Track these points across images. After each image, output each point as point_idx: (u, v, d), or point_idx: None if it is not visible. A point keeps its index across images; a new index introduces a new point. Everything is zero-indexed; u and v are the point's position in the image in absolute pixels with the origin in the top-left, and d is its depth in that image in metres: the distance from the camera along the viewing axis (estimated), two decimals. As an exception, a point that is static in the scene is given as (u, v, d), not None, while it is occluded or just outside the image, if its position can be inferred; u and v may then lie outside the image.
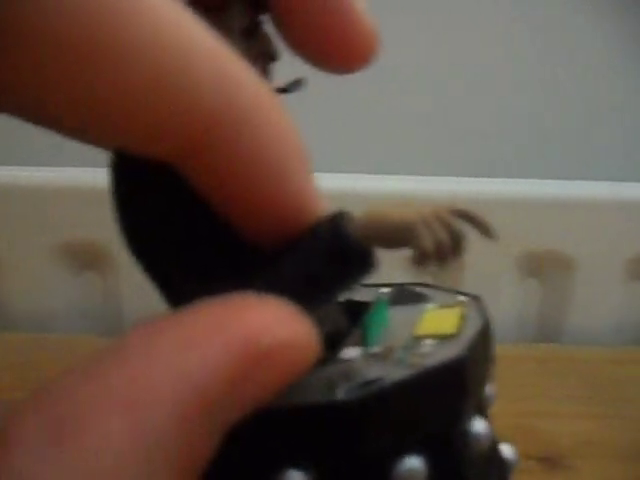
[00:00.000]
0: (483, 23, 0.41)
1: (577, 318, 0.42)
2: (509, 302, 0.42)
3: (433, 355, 0.13)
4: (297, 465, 0.12)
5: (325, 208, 0.13)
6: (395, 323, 0.16)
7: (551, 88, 0.42)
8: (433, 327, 0.15)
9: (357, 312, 0.16)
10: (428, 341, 0.14)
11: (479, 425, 0.14)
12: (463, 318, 0.15)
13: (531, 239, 0.41)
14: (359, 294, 0.17)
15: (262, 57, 0.15)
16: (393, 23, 0.40)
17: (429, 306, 0.17)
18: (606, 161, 0.43)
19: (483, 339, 0.14)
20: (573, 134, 0.43)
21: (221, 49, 0.11)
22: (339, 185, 0.39)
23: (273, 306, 0.11)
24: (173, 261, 0.13)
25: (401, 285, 0.18)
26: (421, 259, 0.12)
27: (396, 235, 0.12)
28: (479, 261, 0.41)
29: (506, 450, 0.16)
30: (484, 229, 0.13)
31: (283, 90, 0.16)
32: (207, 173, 0.12)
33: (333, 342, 0.15)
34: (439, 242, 0.12)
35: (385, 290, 0.18)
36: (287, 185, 0.12)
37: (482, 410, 0.15)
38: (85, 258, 0.41)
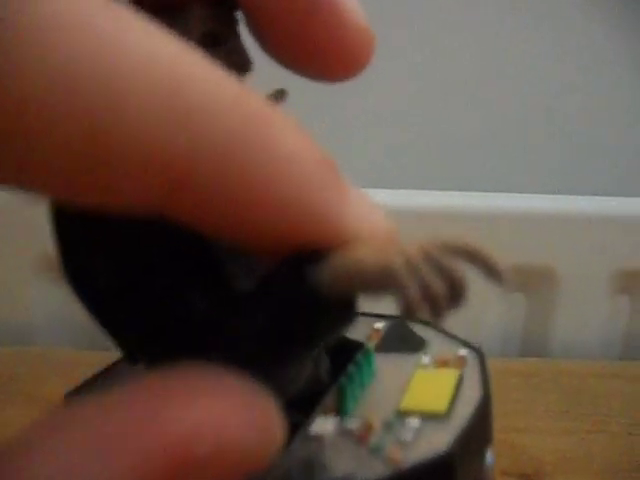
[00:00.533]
0: (476, 37, 0.41)
1: (562, 332, 0.42)
2: (494, 316, 0.42)
3: (416, 445, 0.12)
4: None
5: (386, 225, 0.11)
6: (381, 380, 0.14)
7: (540, 104, 0.42)
8: (422, 399, 0.13)
9: (343, 351, 0.14)
10: (413, 421, 0.12)
11: None
12: (459, 385, 0.13)
13: (516, 253, 0.41)
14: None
15: (231, 68, 0.12)
16: (386, 34, 0.41)
17: (424, 359, 0.15)
18: (591, 176, 0.43)
19: (480, 418, 0.12)
20: (558, 148, 0.43)
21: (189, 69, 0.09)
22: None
23: (225, 388, 0.09)
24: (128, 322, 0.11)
25: (399, 320, 0.16)
26: (408, 311, 0.10)
27: (375, 284, 0.10)
28: (465, 275, 0.41)
29: None
30: (490, 270, 0.10)
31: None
32: (198, 214, 0.10)
33: (307, 402, 0.13)
34: (429, 290, 0.10)
35: (380, 325, 0.16)
36: (304, 208, 0.10)
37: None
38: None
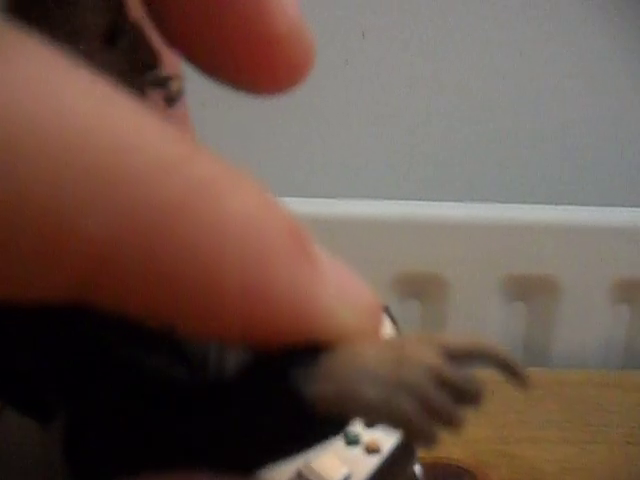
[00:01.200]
0: (473, 44, 0.41)
1: (563, 342, 0.43)
2: (495, 325, 0.43)
3: None
4: None
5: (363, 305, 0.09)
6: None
7: (544, 116, 0.42)
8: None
9: None
10: None
11: None
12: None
13: (517, 263, 0.41)
14: None
15: (137, 70, 0.11)
16: (383, 38, 0.41)
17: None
18: (593, 186, 0.43)
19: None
20: (560, 159, 0.43)
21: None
22: (320, 210, 0.40)
23: None
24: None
25: None
26: (424, 444, 0.09)
27: (378, 417, 0.09)
28: (465, 284, 0.41)
29: None
30: (514, 373, 0.09)
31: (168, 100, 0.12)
32: (125, 302, 0.08)
33: None
34: (444, 421, 0.09)
35: None
36: (264, 293, 0.08)
37: None
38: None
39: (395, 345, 0.09)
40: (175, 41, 0.10)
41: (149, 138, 0.07)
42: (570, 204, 0.42)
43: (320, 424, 0.09)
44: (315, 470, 0.12)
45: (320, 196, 0.40)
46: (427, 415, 0.08)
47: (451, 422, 0.09)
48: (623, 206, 0.42)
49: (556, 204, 0.42)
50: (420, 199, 0.41)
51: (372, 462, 0.11)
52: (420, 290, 0.41)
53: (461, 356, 0.09)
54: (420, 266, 0.41)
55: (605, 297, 0.42)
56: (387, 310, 0.18)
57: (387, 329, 0.15)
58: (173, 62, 0.11)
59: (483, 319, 0.42)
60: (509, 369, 0.09)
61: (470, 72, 0.41)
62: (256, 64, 0.10)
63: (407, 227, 0.40)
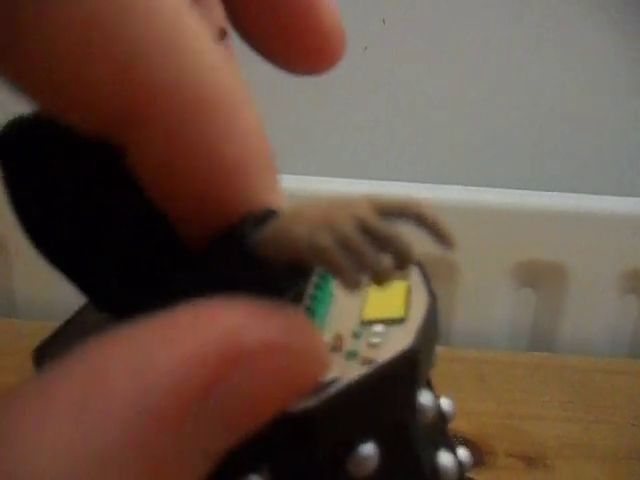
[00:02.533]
0: (482, 37, 0.42)
1: (570, 328, 0.43)
2: (503, 310, 0.43)
3: (384, 346, 0.13)
4: (257, 470, 0.12)
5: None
6: (338, 300, 0.15)
7: (553, 104, 0.43)
8: (380, 309, 0.14)
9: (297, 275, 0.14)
10: (377, 327, 0.14)
11: (426, 397, 0.14)
12: (409, 293, 0.15)
13: (527, 249, 0.42)
14: None
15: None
16: (393, 33, 0.42)
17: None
18: (603, 175, 0.44)
19: (431, 319, 0.14)
20: (571, 146, 0.43)
21: (186, 27, 0.10)
22: (327, 188, 0.40)
23: (260, 307, 0.09)
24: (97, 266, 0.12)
25: None
26: (349, 287, 0.09)
27: (307, 257, 0.10)
28: (474, 269, 0.42)
29: (445, 404, 0.16)
30: (439, 234, 0.10)
31: None
32: (147, 153, 0.10)
33: None
34: (367, 268, 0.09)
35: None
36: (238, 185, 0.11)
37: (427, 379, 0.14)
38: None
39: (331, 202, 0.10)
40: (245, 34, 0.13)
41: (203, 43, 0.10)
42: (581, 192, 0.42)
43: (272, 271, 0.10)
44: None
45: (340, 176, 0.41)
46: (346, 252, 0.09)
47: (372, 267, 0.09)
48: (635, 196, 0.42)
49: (567, 192, 0.42)
50: (429, 182, 0.42)
51: (362, 370, 0.12)
52: (430, 272, 0.42)
53: (391, 213, 0.10)
54: (430, 249, 0.41)
55: (613, 286, 0.42)
56: (421, 267, 0.18)
57: (420, 302, 0.15)
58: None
59: (491, 304, 0.43)
60: (434, 228, 0.10)
61: (491, 58, 0.42)
62: (306, 51, 0.13)
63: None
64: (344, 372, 0.12)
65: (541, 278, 0.43)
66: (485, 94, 0.43)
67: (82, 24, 0.09)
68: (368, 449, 0.13)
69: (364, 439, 0.13)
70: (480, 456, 0.29)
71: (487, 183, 0.42)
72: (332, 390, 0.12)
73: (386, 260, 0.09)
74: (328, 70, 0.13)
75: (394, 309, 0.14)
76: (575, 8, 0.41)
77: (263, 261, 0.10)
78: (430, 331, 0.14)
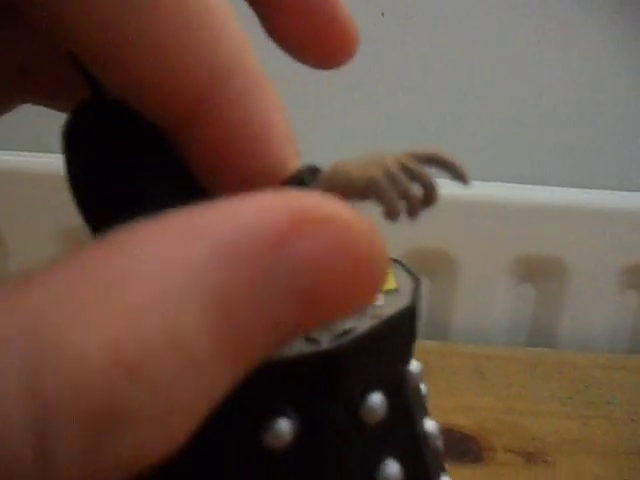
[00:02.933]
0: (482, 31, 0.42)
1: (570, 324, 0.43)
2: (503, 306, 0.43)
3: (387, 306, 0.15)
4: (285, 414, 0.13)
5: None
6: None
7: (555, 98, 0.43)
8: None
9: None
10: (378, 296, 0.15)
11: (415, 365, 0.16)
12: (395, 276, 0.17)
13: (526, 244, 0.42)
14: None
15: None
16: (396, 27, 0.41)
17: None
18: (604, 170, 0.43)
19: (419, 291, 0.16)
20: (572, 141, 0.43)
21: (233, 14, 0.12)
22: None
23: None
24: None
25: None
26: (391, 215, 0.12)
27: (361, 192, 0.12)
28: (474, 263, 0.42)
29: (429, 425, 0.17)
30: (457, 173, 0.12)
31: None
32: (205, 138, 0.12)
33: None
34: (407, 196, 0.12)
35: None
36: (274, 144, 0.13)
37: (396, 384, 0.16)
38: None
39: (373, 153, 0.13)
40: (273, 34, 0.15)
41: None
42: (581, 187, 0.42)
43: None
44: None
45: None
46: (392, 184, 0.12)
47: (410, 198, 0.12)
48: (635, 190, 0.42)
49: (567, 186, 0.42)
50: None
51: (375, 322, 0.14)
52: (428, 267, 0.42)
53: (421, 160, 0.12)
54: (429, 243, 0.41)
55: (613, 281, 0.42)
56: (399, 262, 0.20)
57: (404, 280, 0.18)
58: None
59: (490, 299, 0.42)
60: (453, 169, 0.12)
61: (491, 51, 0.42)
62: (333, 49, 0.15)
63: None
64: (359, 324, 0.14)
65: (541, 273, 0.43)
66: (483, 88, 0.42)
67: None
68: (378, 398, 0.14)
69: (374, 388, 0.14)
70: (479, 451, 0.29)
71: (486, 177, 0.42)
72: (355, 333, 0.13)
73: (419, 194, 0.12)
74: (348, 61, 0.15)
75: (388, 284, 0.16)
76: (577, 6, 0.41)
77: None
78: (418, 299, 0.16)
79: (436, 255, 0.41)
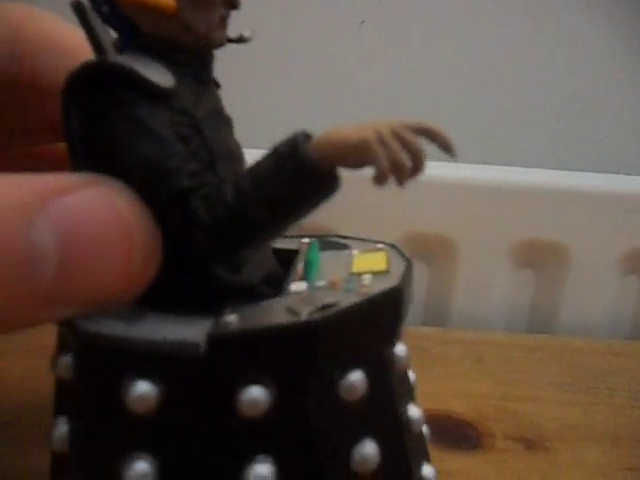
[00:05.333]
0: (484, 15, 0.41)
1: (570, 310, 0.42)
2: (502, 291, 0.42)
3: (374, 286, 0.15)
4: (261, 382, 0.13)
5: None
6: (329, 264, 0.17)
7: (557, 82, 0.42)
8: (367, 266, 0.16)
9: (285, 259, 0.18)
10: (366, 276, 0.16)
11: (401, 348, 0.16)
12: (389, 259, 0.17)
13: (527, 229, 0.41)
14: (282, 243, 0.19)
15: (224, 4, 0.16)
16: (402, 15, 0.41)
17: (354, 252, 0.18)
18: (605, 153, 0.43)
19: (410, 275, 0.16)
20: (572, 124, 0.43)
21: None
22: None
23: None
24: None
25: (321, 236, 0.20)
26: (379, 178, 0.12)
27: (354, 155, 0.12)
28: (474, 247, 0.41)
29: (413, 412, 0.17)
30: (444, 144, 0.13)
31: (235, 41, 0.17)
32: None
33: (275, 282, 0.16)
34: (396, 161, 0.12)
35: (307, 239, 0.20)
36: None
37: (380, 365, 0.16)
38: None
39: (368, 120, 0.13)
40: None
41: None
42: (582, 170, 0.41)
43: (318, 176, 0.12)
44: (316, 295, 0.15)
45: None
46: (383, 147, 0.12)
47: (399, 161, 0.12)
48: (636, 174, 0.41)
49: (568, 170, 0.41)
50: (432, 160, 0.41)
51: (360, 298, 0.15)
52: (428, 251, 0.41)
53: (413, 131, 0.13)
54: (428, 227, 0.40)
55: (614, 267, 0.42)
56: (395, 247, 0.20)
57: (399, 264, 0.18)
58: None
59: (490, 285, 0.42)
60: (441, 140, 0.13)
61: (491, 36, 0.41)
62: None
63: (418, 187, 0.40)
64: (343, 299, 0.14)
65: (541, 258, 0.42)
66: (487, 71, 0.42)
67: None
68: (358, 376, 0.14)
69: (354, 367, 0.14)
70: (478, 438, 0.28)
71: (486, 160, 0.42)
72: (336, 308, 0.13)
73: (408, 161, 0.12)
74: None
75: (379, 266, 0.16)
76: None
77: (313, 163, 0.12)
78: (408, 283, 0.16)
79: (435, 240, 0.41)
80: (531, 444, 0.28)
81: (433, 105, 0.42)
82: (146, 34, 0.15)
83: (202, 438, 0.13)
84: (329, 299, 0.14)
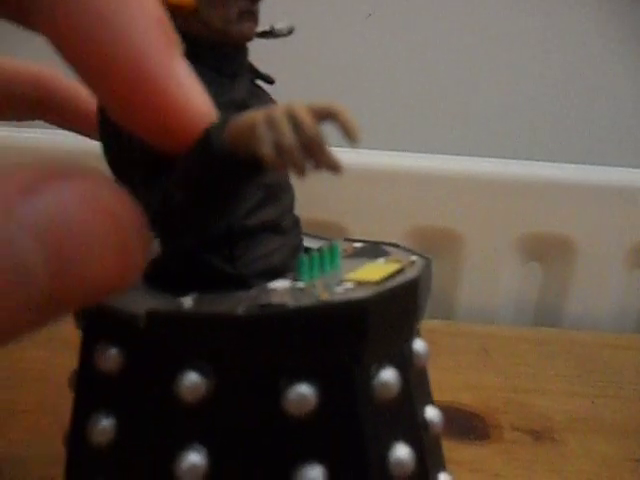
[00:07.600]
0: (485, 9, 0.41)
1: (577, 303, 0.42)
2: (509, 284, 0.42)
3: (342, 295, 0.14)
4: (197, 367, 0.13)
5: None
6: (342, 269, 0.17)
7: (563, 77, 0.42)
8: (363, 275, 0.15)
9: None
10: (348, 284, 0.15)
11: (386, 375, 0.14)
12: (398, 272, 0.16)
13: (534, 222, 0.41)
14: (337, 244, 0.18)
15: None
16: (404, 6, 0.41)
17: (379, 260, 0.17)
18: (613, 146, 0.43)
19: (405, 292, 0.15)
20: (580, 117, 0.42)
21: None
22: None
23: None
24: None
25: (375, 243, 0.19)
26: (270, 165, 0.11)
27: (243, 140, 0.12)
28: (480, 242, 0.41)
29: (432, 414, 0.16)
30: (347, 130, 0.11)
31: (268, 34, 0.17)
32: (53, 33, 0.12)
33: (274, 275, 0.16)
34: (281, 145, 0.11)
35: (359, 245, 0.19)
36: (144, 59, 0.12)
37: (400, 363, 0.15)
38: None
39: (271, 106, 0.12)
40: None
41: None
42: (590, 164, 0.41)
43: (223, 160, 0.12)
44: (275, 293, 0.15)
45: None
46: (268, 129, 0.11)
47: (287, 146, 0.11)
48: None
49: (575, 163, 0.41)
50: (438, 153, 0.41)
51: (309, 301, 0.14)
52: (435, 245, 0.41)
53: (318, 114, 0.11)
54: (436, 220, 0.41)
55: (622, 260, 0.42)
56: (398, 246, 0.19)
57: (411, 257, 0.17)
58: None
59: (497, 278, 0.42)
60: (344, 125, 0.11)
61: (500, 28, 0.41)
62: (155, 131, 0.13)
63: (424, 180, 0.40)
64: (294, 302, 0.14)
65: (548, 252, 0.42)
66: (490, 65, 0.42)
67: None
68: (305, 389, 0.13)
69: (304, 378, 0.13)
70: (485, 429, 0.28)
71: (493, 154, 0.42)
72: (273, 308, 0.13)
73: (296, 146, 0.11)
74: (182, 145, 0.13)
75: (373, 275, 0.15)
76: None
77: (226, 152, 0.12)
78: (402, 301, 0.15)
79: (442, 233, 0.41)
80: (539, 435, 0.28)
81: (440, 97, 0.42)
82: None
83: (249, 434, 0.14)
84: (280, 299, 0.14)
